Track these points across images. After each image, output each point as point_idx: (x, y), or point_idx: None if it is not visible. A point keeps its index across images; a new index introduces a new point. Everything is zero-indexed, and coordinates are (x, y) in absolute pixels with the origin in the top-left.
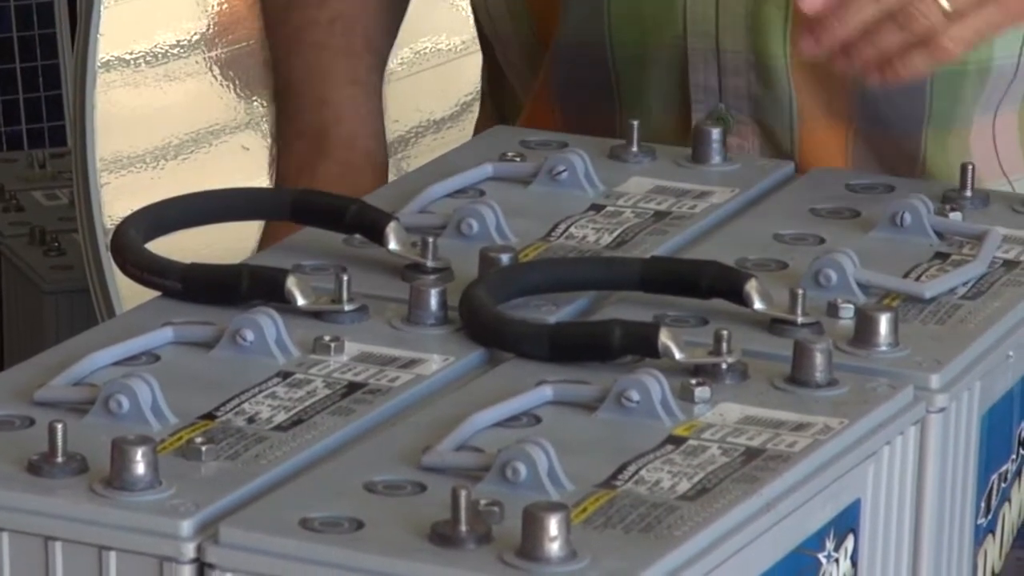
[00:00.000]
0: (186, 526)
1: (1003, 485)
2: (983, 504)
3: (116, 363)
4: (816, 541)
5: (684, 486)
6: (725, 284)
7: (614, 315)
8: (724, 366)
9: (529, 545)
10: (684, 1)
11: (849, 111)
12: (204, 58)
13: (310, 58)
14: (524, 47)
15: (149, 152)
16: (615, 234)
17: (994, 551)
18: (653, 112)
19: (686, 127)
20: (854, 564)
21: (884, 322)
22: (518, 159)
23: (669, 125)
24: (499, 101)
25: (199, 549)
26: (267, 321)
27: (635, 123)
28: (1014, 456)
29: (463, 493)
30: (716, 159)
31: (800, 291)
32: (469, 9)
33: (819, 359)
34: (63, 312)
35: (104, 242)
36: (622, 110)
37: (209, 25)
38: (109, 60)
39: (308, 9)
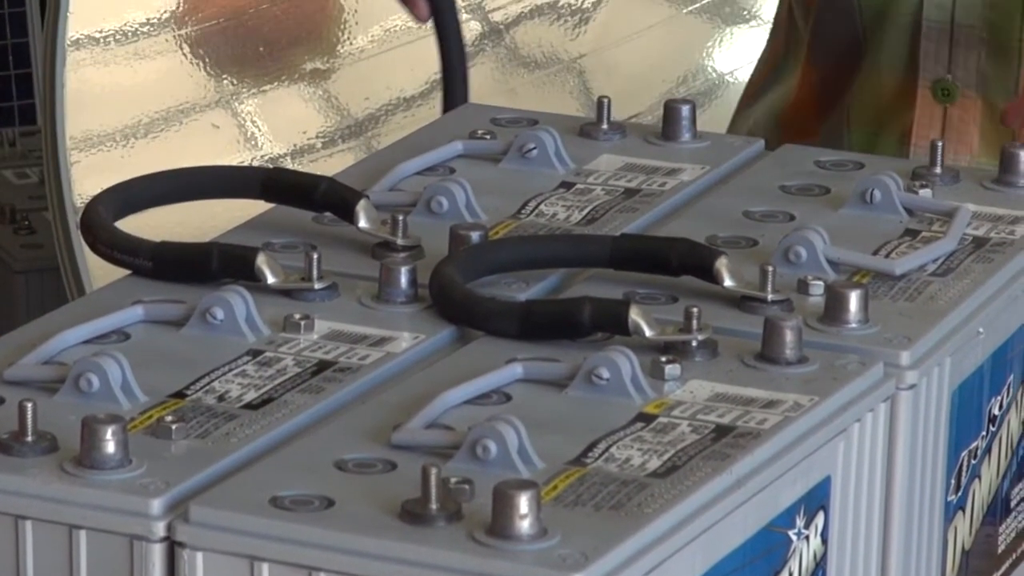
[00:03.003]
0: (156, 505)
1: (973, 462)
2: (953, 481)
3: (86, 342)
4: (786, 518)
5: (654, 463)
6: (695, 261)
7: (584, 293)
8: (694, 343)
9: (499, 523)
10: None
11: None
12: (174, 36)
13: None
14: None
15: (119, 130)
16: (585, 212)
17: (964, 527)
18: (883, 72)
19: (912, 91)
20: (824, 541)
21: (854, 299)
22: (488, 137)
23: (896, 88)
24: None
25: (169, 528)
26: (237, 299)
27: (606, 100)
28: (984, 433)
29: (433, 471)
30: (686, 136)
31: (770, 268)
32: None
33: (789, 336)
34: (33, 291)
35: (74, 221)
36: (863, 67)
37: (179, 3)
38: (79, 38)
39: None
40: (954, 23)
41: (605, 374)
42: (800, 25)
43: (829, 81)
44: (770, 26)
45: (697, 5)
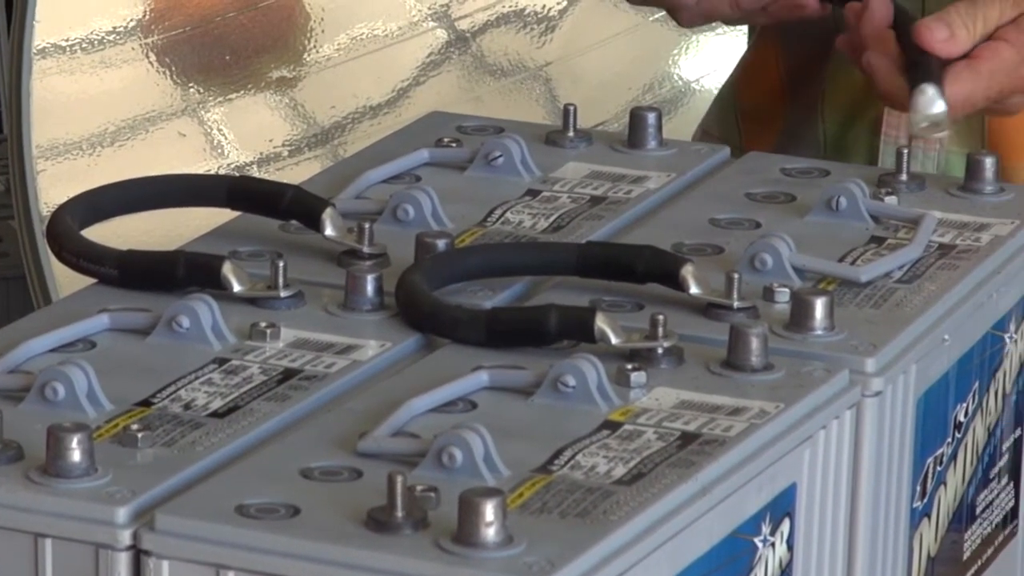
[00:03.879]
0: (122, 513)
1: (939, 468)
2: (919, 487)
3: (52, 350)
4: (752, 525)
5: (620, 471)
6: (661, 269)
7: (550, 300)
8: (660, 351)
9: (465, 531)
10: None
11: None
12: (140, 45)
13: None
14: None
15: (85, 139)
16: (551, 219)
17: (930, 534)
18: (855, 70)
19: None
20: (790, 548)
21: (820, 306)
22: (454, 145)
23: (865, 82)
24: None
25: (135, 536)
26: (203, 308)
27: (572, 107)
28: (950, 439)
29: (399, 479)
30: (652, 144)
31: (736, 275)
32: None
33: (755, 343)
34: None
35: (40, 229)
36: (834, 54)
37: (145, 12)
38: (45, 47)
39: None
40: (924, 12)
41: (571, 381)
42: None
43: (800, 69)
44: (740, 34)
45: (663, 13)
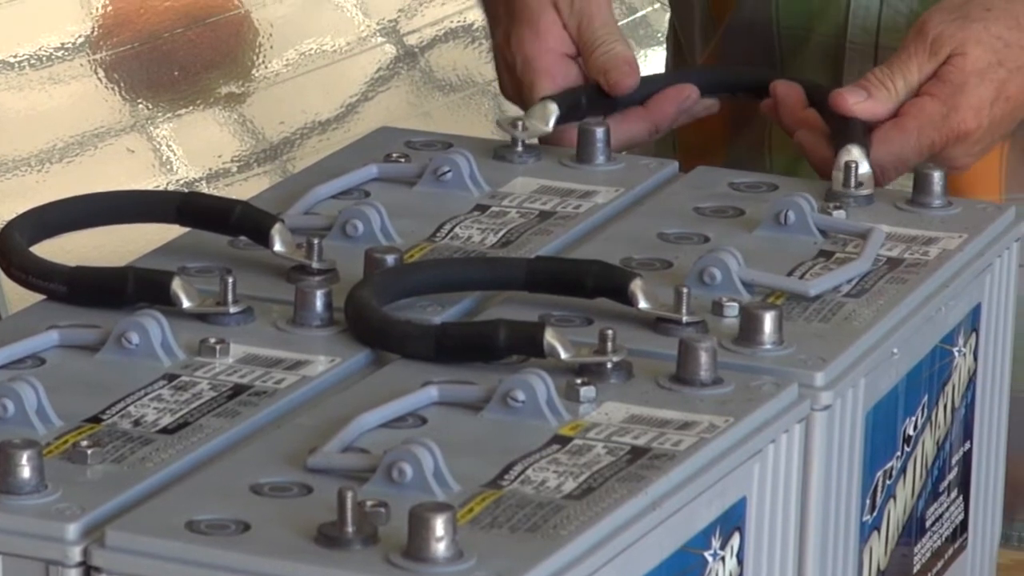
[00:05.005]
0: (72, 530)
1: (888, 482)
2: (868, 501)
3: (1, 367)
4: (702, 539)
5: (570, 485)
6: (610, 283)
7: (500, 315)
8: (609, 365)
9: (415, 546)
10: None
11: None
12: (89, 61)
13: None
14: (701, 20)
15: (34, 155)
16: (500, 234)
17: (879, 548)
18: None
19: None
20: (740, 562)
21: (768, 320)
22: (403, 160)
23: None
24: (674, 64)
25: (85, 552)
26: (152, 324)
27: (520, 122)
28: (899, 453)
29: (349, 494)
30: (600, 159)
31: (685, 290)
32: (354, 11)
33: (704, 358)
34: None
35: None
36: None
37: (94, 28)
38: None
39: None
40: (878, 46)
41: (520, 396)
42: (690, 46)
43: (747, 108)
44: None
45: None
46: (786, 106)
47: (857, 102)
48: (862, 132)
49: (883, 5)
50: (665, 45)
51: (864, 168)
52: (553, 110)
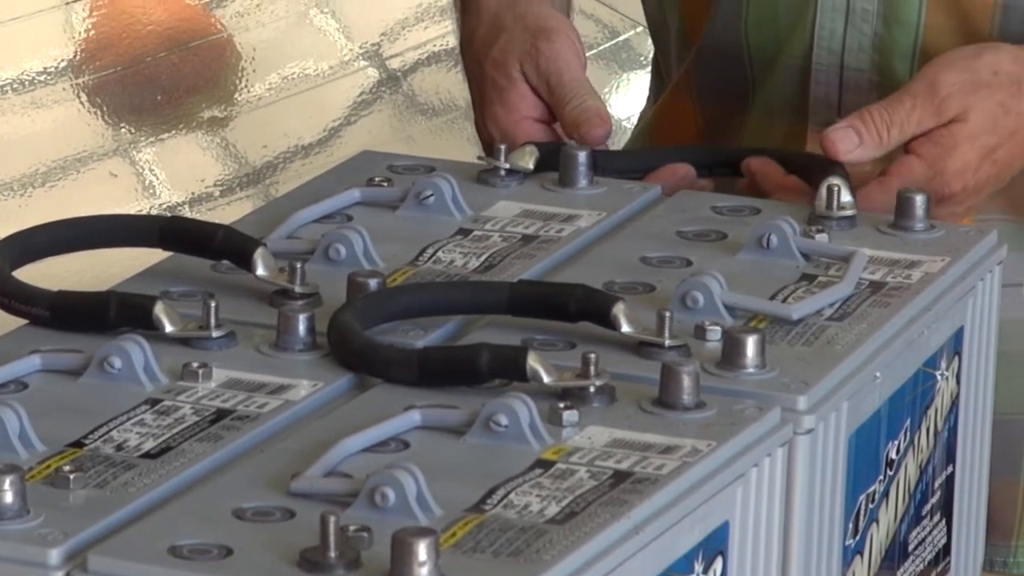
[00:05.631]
0: (55, 555)
1: (871, 506)
2: (851, 525)
3: None
4: (685, 563)
5: (553, 510)
6: (592, 307)
7: (482, 339)
8: (592, 389)
9: (398, 571)
10: (814, 16)
11: None
12: (71, 85)
13: None
14: (676, 41)
15: (16, 179)
16: (483, 258)
17: (862, 572)
18: (775, 116)
19: (802, 135)
20: None
21: (751, 344)
22: (385, 184)
23: (786, 130)
24: (655, 84)
25: None
26: (135, 348)
27: (503, 147)
28: (882, 477)
29: (332, 519)
30: (583, 182)
31: (667, 314)
32: (336, 34)
33: (686, 381)
34: None
35: None
36: (753, 109)
37: (76, 52)
38: None
39: None
40: (843, 67)
41: (503, 420)
42: (667, 67)
43: (716, 123)
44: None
45: (594, 51)
46: (765, 176)
47: (848, 151)
48: (843, 169)
49: (847, 27)
50: (651, 68)
51: (846, 194)
52: (533, 151)
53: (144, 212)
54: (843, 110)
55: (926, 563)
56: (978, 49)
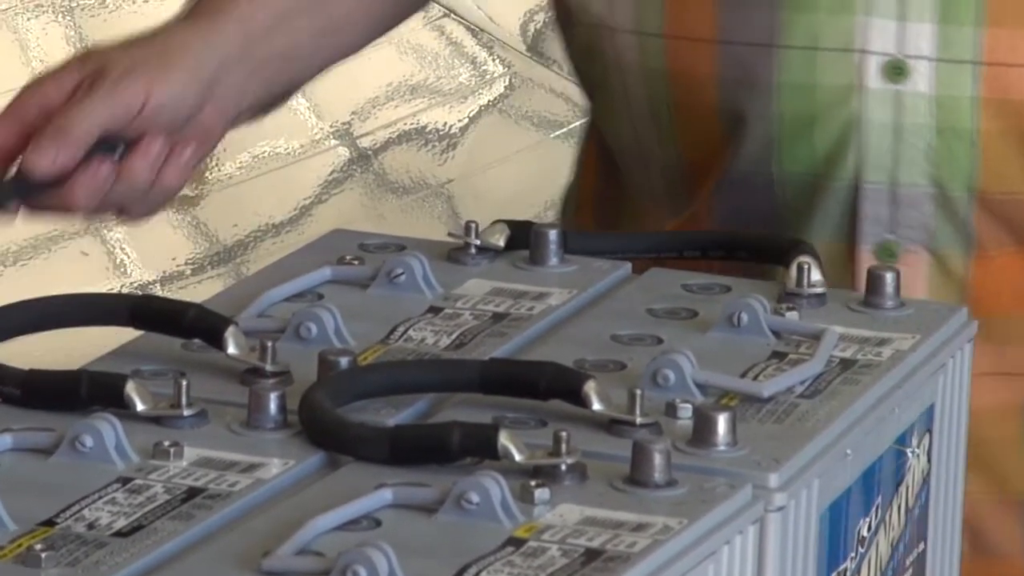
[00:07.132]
0: None
1: None
2: None
3: None
4: None
5: None
6: (563, 385)
7: (453, 417)
8: (563, 467)
9: None
10: (858, 136)
11: None
12: None
13: None
14: (666, 170)
15: None
16: (453, 336)
17: None
18: (816, 238)
19: (851, 254)
20: None
21: (722, 422)
22: (356, 262)
23: (833, 252)
24: (604, 202)
25: None
26: (106, 427)
27: (474, 225)
28: (853, 554)
29: None
30: (553, 261)
31: (638, 391)
32: (307, 113)
33: (658, 459)
34: None
35: None
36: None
37: None
38: None
39: None
40: (896, 183)
41: (475, 498)
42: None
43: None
44: None
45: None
46: None
47: None
48: (812, 248)
49: (899, 141)
50: (577, 171)
51: (816, 272)
52: (504, 228)
53: (115, 291)
54: (896, 225)
55: None
56: None
